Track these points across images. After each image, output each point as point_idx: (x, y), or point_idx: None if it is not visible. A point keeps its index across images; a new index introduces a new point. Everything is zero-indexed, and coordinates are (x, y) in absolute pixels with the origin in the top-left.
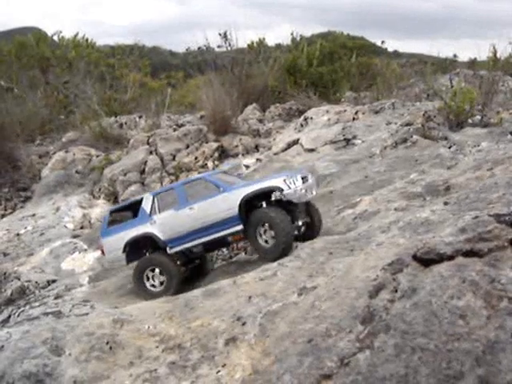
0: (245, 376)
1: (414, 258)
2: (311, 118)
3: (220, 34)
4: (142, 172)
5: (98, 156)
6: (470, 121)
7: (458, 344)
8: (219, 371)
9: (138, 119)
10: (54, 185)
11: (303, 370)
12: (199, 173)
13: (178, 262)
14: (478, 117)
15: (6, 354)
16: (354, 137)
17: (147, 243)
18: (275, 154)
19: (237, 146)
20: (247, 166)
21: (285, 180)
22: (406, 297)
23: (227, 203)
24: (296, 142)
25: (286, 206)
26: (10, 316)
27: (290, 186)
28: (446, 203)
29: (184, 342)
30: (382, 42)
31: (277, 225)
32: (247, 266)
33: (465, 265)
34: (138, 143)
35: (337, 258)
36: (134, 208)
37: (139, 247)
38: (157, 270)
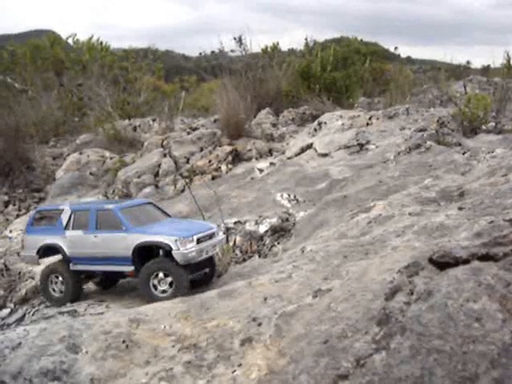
0: (261, 376)
1: (430, 261)
2: (325, 123)
3: (235, 39)
4: (156, 174)
5: (111, 158)
6: (484, 127)
7: (474, 346)
8: (235, 371)
9: (151, 122)
10: (67, 186)
11: (319, 370)
12: (213, 177)
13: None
14: (492, 123)
15: (23, 350)
16: (368, 142)
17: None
18: (289, 158)
19: (250, 150)
20: (261, 170)
21: (176, 240)
22: (422, 299)
23: (124, 243)
24: (309, 146)
25: None
26: (24, 315)
27: (180, 248)
28: (460, 208)
29: (200, 342)
30: (395, 48)
31: (176, 279)
32: (261, 269)
33: (480, 268)
34: (152, 146)
35: (352, 261)
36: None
37: (52, 252)
38: (58, 277)
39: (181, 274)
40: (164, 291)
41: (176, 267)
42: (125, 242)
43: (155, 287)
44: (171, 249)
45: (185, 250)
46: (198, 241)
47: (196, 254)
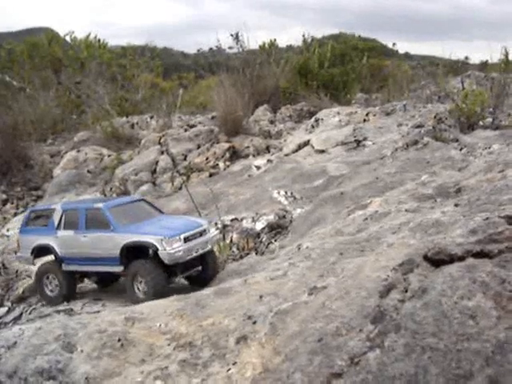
0: (255, 374)
1: (425, 258)
2: (322, 120)
3: (232, 36)
4: (154, 172)
5: (109, 156)
6: (481, 123)
7: (468, 344)
8: (230, 369)
9: (149, 119)
10: (65, 184)
11: (313, 368)
12: (211, 174)
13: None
14: (490, 119)
15: (18, 350)
16: (365, 138)
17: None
18: (286, 155)
19: (248, 147)
20: (258, 167)
21: (162, 240)
22: (416, 297)
23: (112, 243)
24: (307, 143)
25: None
26: (21, 313)
27: (166, 248)
28: (456, 205)
29: (195, 340)
30: (394, 44)
31: (148, 282)
32: (257, 266)
33: (475, 266)
34: (150, 143)
35: (347, 258)
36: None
37: (46, 252)
38: (52, 277)
39: (154, 278)
40: (138, 289)
41: (152, 270)
42: (112, 241)
43: (137, 286)
44: (157, 249)
45: (171, 249)
46: (186, 239)
47: (183, 253)
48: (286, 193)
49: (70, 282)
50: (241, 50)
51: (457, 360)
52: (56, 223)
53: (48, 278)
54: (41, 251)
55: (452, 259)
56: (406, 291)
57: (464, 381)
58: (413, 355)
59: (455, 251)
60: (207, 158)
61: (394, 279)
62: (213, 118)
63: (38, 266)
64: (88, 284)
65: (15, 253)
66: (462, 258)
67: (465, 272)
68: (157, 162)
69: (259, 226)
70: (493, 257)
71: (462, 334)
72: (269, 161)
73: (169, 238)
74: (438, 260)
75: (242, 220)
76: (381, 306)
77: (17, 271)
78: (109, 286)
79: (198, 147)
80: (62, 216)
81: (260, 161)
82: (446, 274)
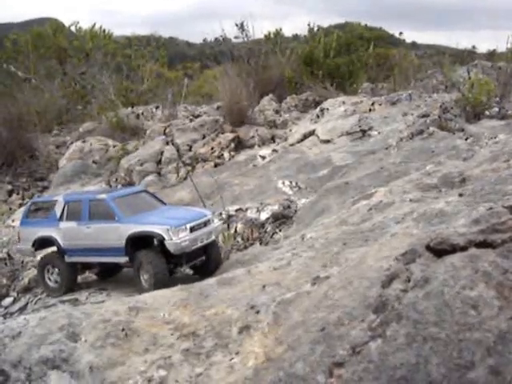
0: (258, 364)
1: (427, 248)
2: (327, 109)
3: (237, 25)
4: (159, 162)
5: (114, 146)
6: (487, 113)
7: (470, 334)
8: (232, 359)
9: (154, 110)
10: (71, 175)
11: (315, 357)
12: (216, 164)
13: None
14: (496, 109)
15: (23, 339)
16: (370, 128)
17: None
18: (291, 145)
19: (253, 137)
20: (263, 157)
21: (168, 230)
22: (418, 287)
23: (117, 234)
24: (312, 133)
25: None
26: (27, 303)
27: (172, 237)
28: (460, 195)
29: (198, 330)
30: (400, 33)
31: (149, 272)
32: (261, 256)
33: (478, 255)
34: (155, 134)
35: (351, 248)
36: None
37: (48, 244)
38: (53, 267)
39: (155, 268)
40: (144, 279)
41: (153, 261)
42: (117, 232)
43: (143, 275)
44: (164, 238)
45: (177, 239)
46: (192, 229)
47: (189, 243)
48: (290, 183)
49: (71, 273)
50: (246, 39)
51: (458, 350)
52: (58, 215)
53: (49, 268)
54: (43, 243)
55: (454, 249)
56: (409, 281)
57: (465, 371)
58: (414, 345)
59: (458, 241)
60: (212, 148)
61: (397, 269)
62: (218, 108)
63: (40, 256)
64: (93, 274)
65: None
66: (464, 248)
67: (467, 262)
68: (162, 153)
69: (264, 216)
70: (496, 247)
71: (464, 323)
72: (274, 151)
73: (175, 227)
74: (440, 250)
75: (246, 210)
76: (383, 296)
77: (22, 262)
78: (109, 277)
79: (203, 137)
80: (64, 207)
81: (265, 151)
82: (448, 263)
